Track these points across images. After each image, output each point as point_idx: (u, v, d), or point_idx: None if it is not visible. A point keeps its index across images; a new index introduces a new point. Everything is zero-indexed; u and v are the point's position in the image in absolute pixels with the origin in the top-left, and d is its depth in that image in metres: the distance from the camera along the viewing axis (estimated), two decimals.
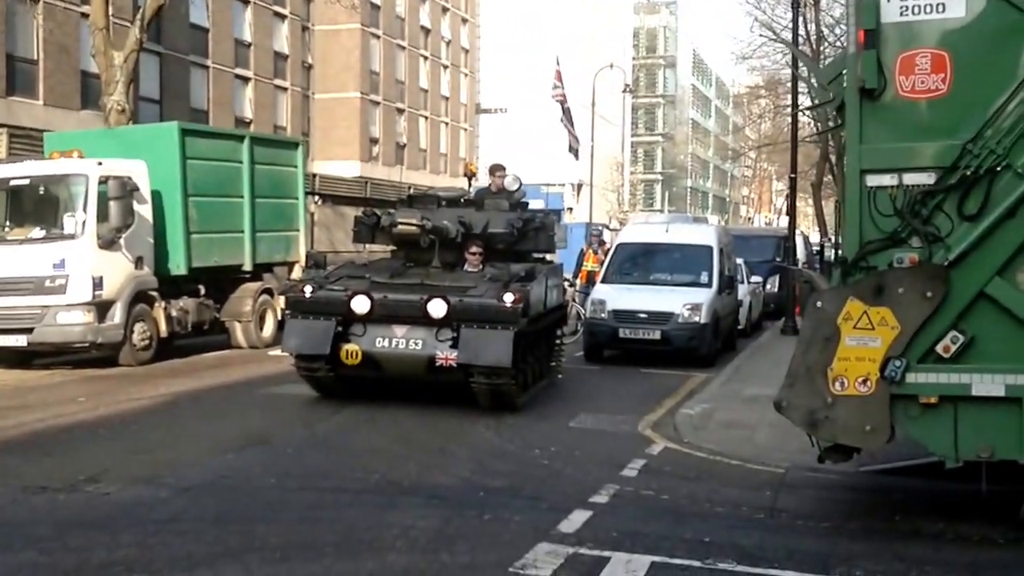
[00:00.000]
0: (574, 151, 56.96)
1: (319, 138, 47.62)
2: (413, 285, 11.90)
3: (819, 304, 7.34)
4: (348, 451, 9.90)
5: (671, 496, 8.51)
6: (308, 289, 11.70)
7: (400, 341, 11.48)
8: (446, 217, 12.86)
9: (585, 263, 22.67)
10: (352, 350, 11.51)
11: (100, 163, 15.29)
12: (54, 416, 11.22)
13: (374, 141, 51.16)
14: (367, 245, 17.30)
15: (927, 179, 7.21)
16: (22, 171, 15.62)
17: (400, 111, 54.32)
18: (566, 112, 55.29)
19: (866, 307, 7.14)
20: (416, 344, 11.46)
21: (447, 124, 60.65)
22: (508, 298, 11.21)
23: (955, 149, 7.11)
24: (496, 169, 14.51)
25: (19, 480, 8.39)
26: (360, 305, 11.42)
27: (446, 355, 11.31)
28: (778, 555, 6.90)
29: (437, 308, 11.24)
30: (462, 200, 13.65)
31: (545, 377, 13.98)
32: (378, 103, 51.63)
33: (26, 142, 20.32)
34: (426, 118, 57.54)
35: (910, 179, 7.24)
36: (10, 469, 8.84)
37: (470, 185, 14.21)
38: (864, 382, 7.17)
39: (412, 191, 15.27)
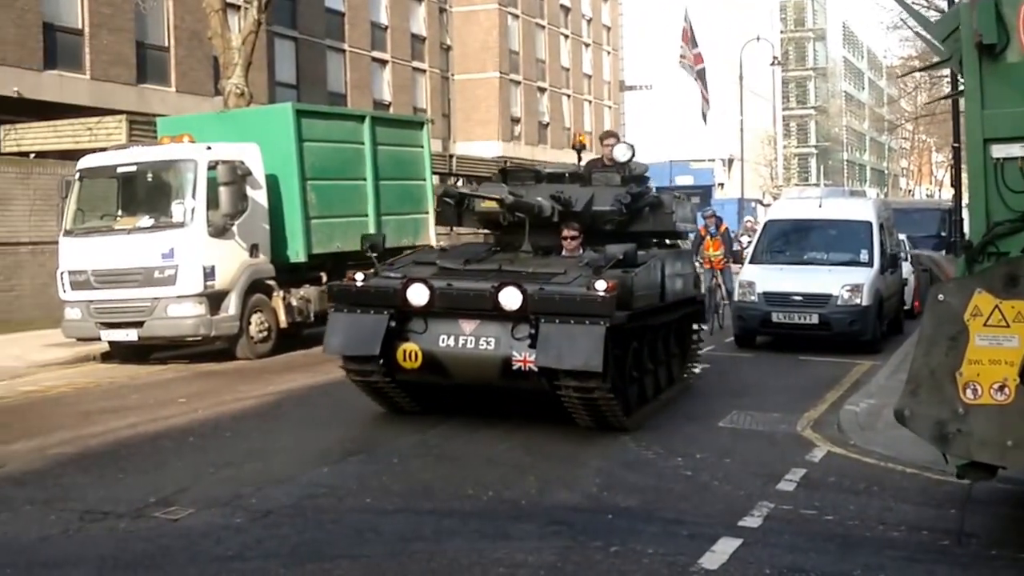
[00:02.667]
0: (703, 115, 54.50)
1: (460, 119, 47.06)
2: (487, 272, 9.80)
3: (941, 297, 6.15)
4: (461, 462, 8.70)
5: (837, 516, 7.14)
6: (359, 277, 9.80)
7: (468, 339, 9.31)
8: (543, 193, 10.79)
9: (704, 250, 19.81)
10: (410, 350, 9.41)
11: (209, 147, 14.58)
12: (147, 421, 10.36)
13: (515, 121, 50.31)
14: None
15: None
16: (129, 157, 15.03)
17: (542, 90, 53.36)
18: (700, 74, 52.83)
19: (998, 301, 5.94)
20: (488, 343, 9.26)
21: (590, 102, 59.48)
22: (600, 286, 8.96)
23: None
24: (606, 137, 12.29)
25: (82, 503, 7.42)
26: (417, 295, 9.34)
27: (524, 356, 9.10)
28: None
29: (510, 298, 9.05)
30: (567, 175, 11.38)
31: (678, 382, 12.16)
32: (519, 83, 50.74)
33: (147, 128, 19.89)
34: (569, 96, 56.45)
35: None
36: (77, 490, 7.87)
37: (580, 159, 11.86)
38: (1001, 389, 5.94)
39: (508, 164, 13.00)
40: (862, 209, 17.57)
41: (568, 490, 7.79)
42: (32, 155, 21.01)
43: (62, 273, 14.90)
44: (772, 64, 62.80)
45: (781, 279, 16.20)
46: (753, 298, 16.13)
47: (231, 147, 14.98)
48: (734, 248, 21.95)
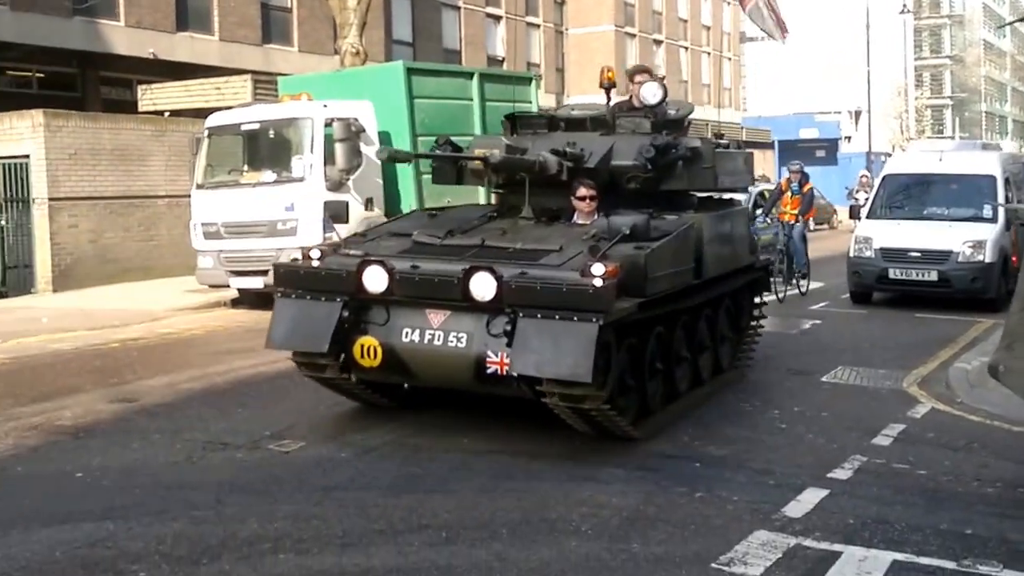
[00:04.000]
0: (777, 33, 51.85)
1: (573, 73, 46.90)
2: (467, 248, 7.94)
3: None
4: None
5: (929, 471, 7.14)
6: (315, 254, 8.08)
7: (436, 334, 7.49)
8: (556, 144, 8.79)
9: (782, 206, 17.74)
10: (369, 345, 7.70)
11: (325, 105, 15.08)
12: (268, 362, 10.85)
13: None
14: None
15: None
16: (252, 115, 15.68)
17: (658, 43, 52.71)
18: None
19: None
20: (459, 339, 7.42)
21: (709, 54, 58.48)
22: (597, 270, 7.01)
23: None
24: (637, 73, 9.75)
25: (205, 435, 8.09)
26: (373, 280, 7.60)
27: (501, 357, 7.25)
28: None
29: (482, 286, 7.21)
30: (588, 121, 9.39)
31: (728, 372, 10.26)
32: (634, 35, 50.26)
33: (271, 87, 20.60)
34: (686, 49, 55.63)
35: None
36: (200, 422, 8.58)
37: (608, 100, 9.60)
38: None
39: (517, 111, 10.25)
40: (986, 162, 17.02)
41: (661, 438, 7.97)
42: (166, 113, 21.94)
43: (195, 224, 15.71)
44: (902, 12, 60.91)
45: (899, 235, 15.91)
46: (869, 254, 15.90)
47: (346, 105, 15.42)
48: (850, 204, 21.38)
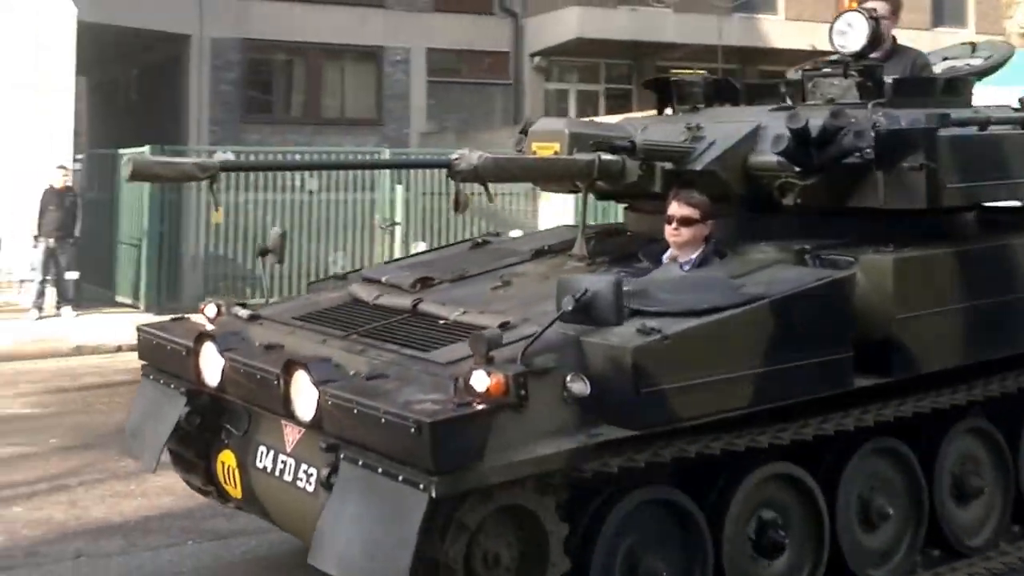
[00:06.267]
0: None
1: None
2: (391, 313, 5.04)
3: None
4: None
5: None
6: (211, 311, 5.60)
7: (288, 463, 4.75)
8: (676, 130, 5.45)
9: None
10: (229, 465, 5.16)
11: None
12: None
13: None
14: None
15: None
16: None
17: None
18: None
19: None
20: (307, 476, 4.63)
21: None
22: (478, 382, 3.89)
23: None
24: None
25: None
26: (209, 365, 5.06)
27: None
28: None
29: (301, 395, 4.42)
30: (783, 87, 6.00)
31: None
32: None
33: None
34: None
35: None
36: None
37: (872, 50, 5.72)
38: None
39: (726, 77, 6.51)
40: None
41: None
42: None
43: None
44: None
45: None
46: None
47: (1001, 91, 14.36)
48: None
